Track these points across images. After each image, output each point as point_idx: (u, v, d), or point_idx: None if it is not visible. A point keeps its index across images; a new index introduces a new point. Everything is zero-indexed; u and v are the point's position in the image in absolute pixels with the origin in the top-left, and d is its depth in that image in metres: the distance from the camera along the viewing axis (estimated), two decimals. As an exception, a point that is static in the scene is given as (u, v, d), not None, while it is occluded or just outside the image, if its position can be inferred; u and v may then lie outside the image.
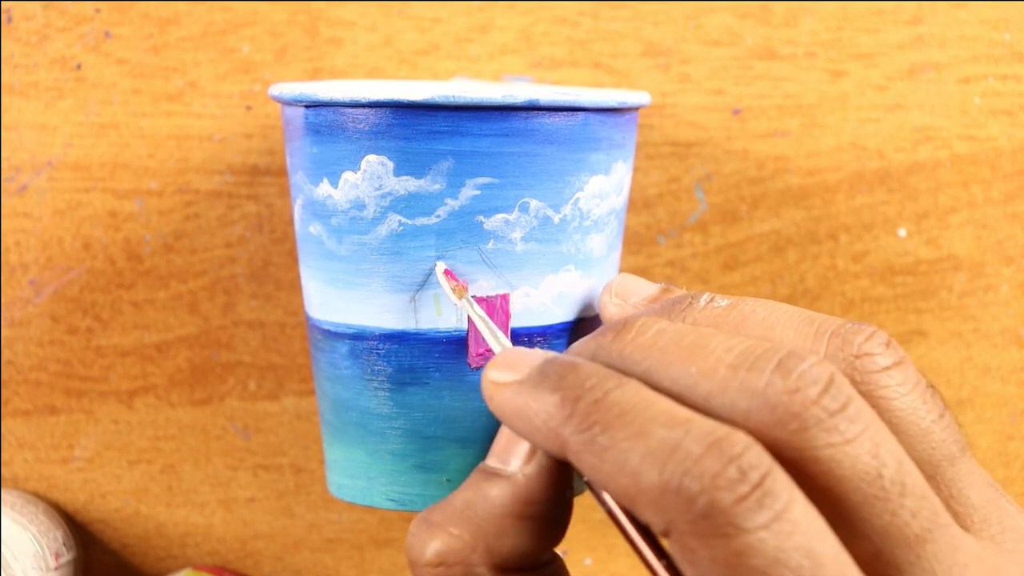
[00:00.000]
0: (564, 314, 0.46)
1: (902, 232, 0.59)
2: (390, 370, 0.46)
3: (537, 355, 0.39)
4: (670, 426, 0.35)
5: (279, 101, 0.47)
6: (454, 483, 0.46)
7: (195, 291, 0.59)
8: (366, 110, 0.45)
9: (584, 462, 0.36)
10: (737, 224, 0.59)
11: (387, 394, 0.46)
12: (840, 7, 0.58)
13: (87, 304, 0.59)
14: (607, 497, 0.38)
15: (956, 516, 0.38)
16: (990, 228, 0.59)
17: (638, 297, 0.45)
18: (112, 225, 0.58)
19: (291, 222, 0.58)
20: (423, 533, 0.40)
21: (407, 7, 0.58)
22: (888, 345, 0.39)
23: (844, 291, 0.59)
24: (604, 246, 0.47)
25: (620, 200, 0.48)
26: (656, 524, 0.35)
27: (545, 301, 0.46)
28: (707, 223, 0.59)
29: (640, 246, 0.59)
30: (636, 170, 0.58)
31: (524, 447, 0.40)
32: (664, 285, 0.45)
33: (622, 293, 0.45)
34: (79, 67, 0.58)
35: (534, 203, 0.45)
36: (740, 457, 0.34)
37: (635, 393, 0.36)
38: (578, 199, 0.46)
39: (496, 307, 0.45)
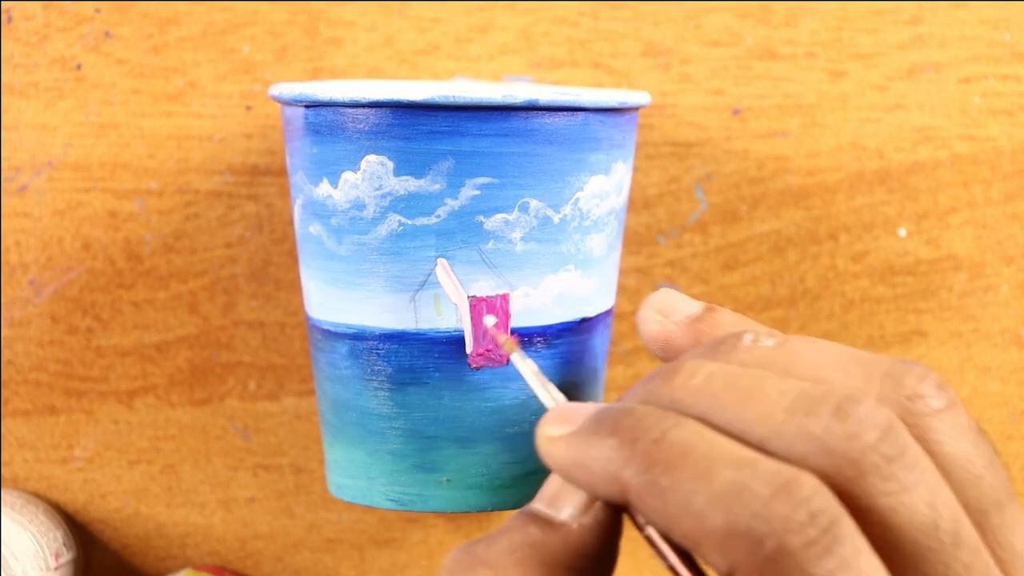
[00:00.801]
0: (564, 314, 0.46)
1: (902, 232, 0.59)
2: (390, 370, 0.46)
3: (590, 407, 0.38)
4: (736, 467, 0.34)
5: (279, 101, 0.47)
6: (454, 483, 0.46)
7: (195, 291, 0.59)
8: (366, 110, 0.45)
9: (647, 504, 0.35)
10: (737, 224, 0.59)
11: (387, 394, 0.46)
12: (840, 7, 0.58)
13: (87, 304, 0.59)
14: (655, 536, 0.37)
15: (1000, 563, 0.38)
16: (990, 228, 0.59)
17: (680, 315, 0.43)
18: (112, 225, 0.58)
19: (291, 222, 0.58)
20: (465, 570, 0.39)
21: (407, 7, 0.58)
22: (940, 387, 0.38)
23: (844, 291, 0.59)
24: (604, 246, 0.47)
25: (620, 200, 0.48)
26: (720, 566, 0.34)
27: (545, 301, 0.46)
28: (707, 223, 0.59)
29: (640, 246, 0.59)
30: (636, 170, 0.58)
31: (579, 496, 0.38)
32: (707, 305, 0.44)
33: (664, 310, 0.43)
34: (79, 67, 0.58)
35: (534, 203, 0.45)
36: (809, 500, 0.33)
37: (696, 433, 0.36)
38: (578, 199, 0.46)
39: (496, 307, 0.45)
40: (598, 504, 0.38)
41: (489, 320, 0.45)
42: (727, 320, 0.43)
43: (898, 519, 0.35)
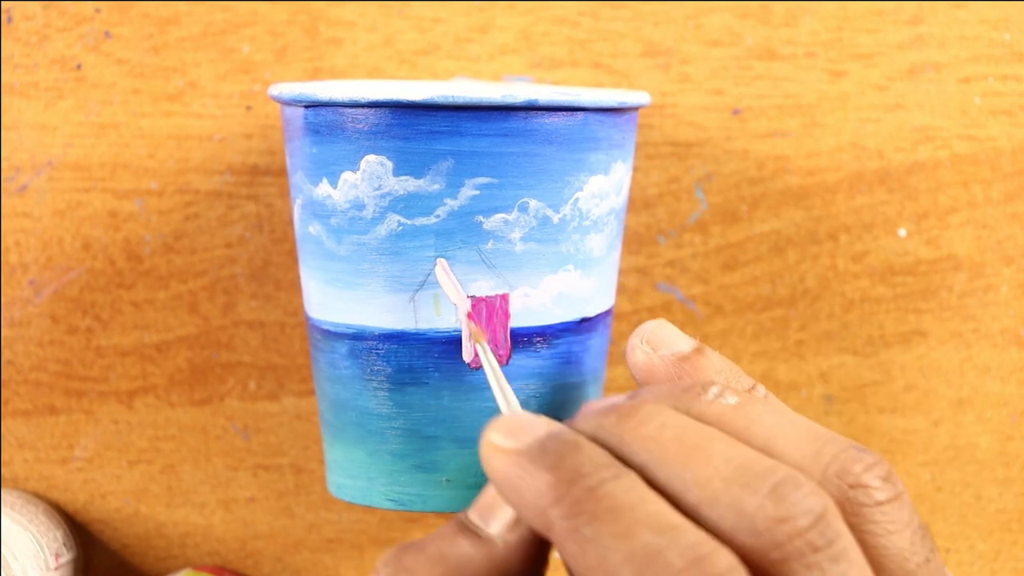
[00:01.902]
0: (564, 314, 0.46)
1: (902, 232, 0.59)
2: (389, 370, 0.46)
3: (541, 426, 0.38)
4: (657, 531, 0.34)
5: (278, 101, 0.47)
6: (453, 483, 0.46)
7: (195, 291, 0.59)
8: (365, 110, 0.45)
9: (566, 549, 0.36)
10: (737, 224, 0.59)
11: (386, 394, 0.46)
12: (840, 7, 0.58)
13: (87, 304, 0.59)
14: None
15: None
16: (990, 228, 0.59)
17: (669, 351, 0.44)
18: (112, 225, 0.58)
19: (291, 222, 0.58)
20: (392, 573, 0.39)
21: (407, 7, 0.58)
22: (887, 479, 0.38)
23: (844, 291, 0.59)
24: (604, 246, 0.47)
25: (619, 200, 0.48)
26: None
27: (544, 301, 0.46)
28: (707, 223, 0.59)
29: (640, 246, 0.59)
30: (636, 170, 0.58)
31: (509, 512, 0.39)
32: (697, 345, 0.44)
33: (653, 342, 0.44)
34: (79, 67, 0.58)
35: (533, 203, 0.45)
36: None
37: (629, 489, 0.36)
38: (577, 199, 0.46)
39: (495, 307, 0.45)
40: (525, 523, 0.38)
41: (462, 308, 0.45)
42: (712, 365, 0.43)
43: None
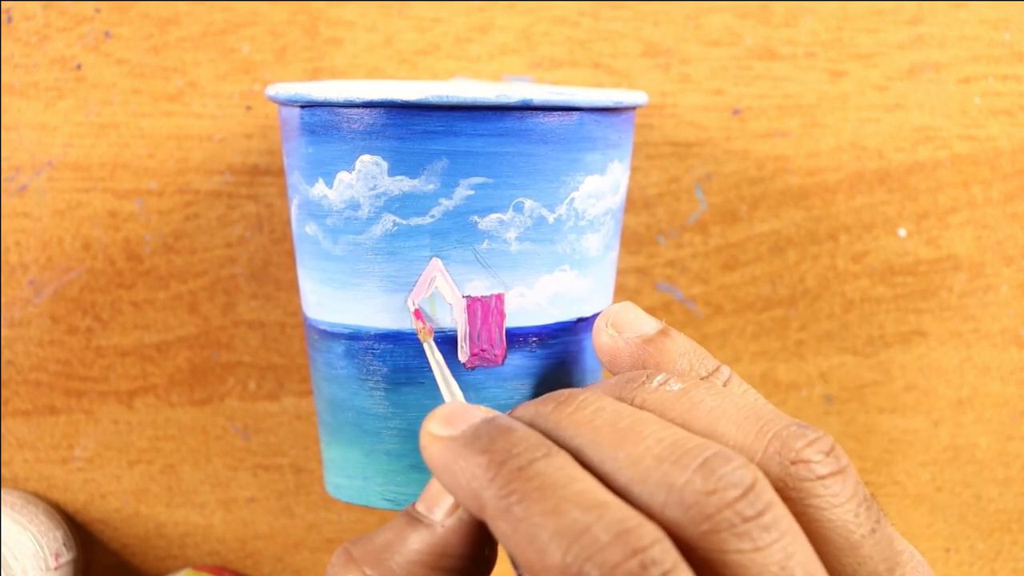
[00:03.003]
0: (559, 314, 0.46)
1: (902, 232, 0.59)
2: (385, 370, 0.46)
3: (477, 413, 0.39)
4: (584, 508, 0.35)
5: (275, 101, 0.47)
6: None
7: (195, 291, 0.59)
8: (360, 110, 0.45)
9: (498, 528, 0.36)
10: (737, 224, 0.59)
11: (383, 394, 0.46)
12: (840, 7, 0.58)
13: (87, 304, 0.59)
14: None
15: None
16: (990, 228, 0.59)
17: (633, 333, 0.44)
18: (112, 225, 0.59)
19: (290, 222, 0.58)
20: (340, 567, 0.40)
21: (407, 7, 0.58)
22: (829, 453, 0.38)
23: (844, 291, 0.59)
24: (600, 246, 0.47)
25: (617, 200, 0.48)
26: None
27: (540, 301, 0.46)
28: (707, 223, 0.59)
29: (640, 246, 0.59)
30: (636, 170, 0.58)
31: (450, 499, 0.40)
32: (662, 327, 0.44)
33: (618, 324, 0.44)
34: (79, 67, 0.58)
35: (529, 203, 0.45)
36: (645, 551, 0.34)
37: (559, 468, 0.36)
38: (573, 199, 0.46)
39: (491, 307, 0.45)
40: (463, 507, 0.39)
41: (411, 305, 0.45)
42: (676, 347, 0.44)
43: None
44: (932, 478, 0.60)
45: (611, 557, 0.34)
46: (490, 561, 0.41)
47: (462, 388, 0.46)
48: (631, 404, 0.40)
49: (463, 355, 0.46)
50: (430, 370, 0.46)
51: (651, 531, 0.34)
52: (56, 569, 0.57)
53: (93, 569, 0.60)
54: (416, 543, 0.39)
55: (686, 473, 0.36)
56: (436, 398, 0.46)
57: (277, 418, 0.59)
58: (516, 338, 0.46)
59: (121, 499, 0.60)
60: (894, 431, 0.60)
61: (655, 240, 0.59)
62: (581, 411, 0.38)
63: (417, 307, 0.45)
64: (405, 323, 0.45)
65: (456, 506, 0.39)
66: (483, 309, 0.45)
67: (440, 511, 0.40)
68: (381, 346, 0.46)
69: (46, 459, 0.60)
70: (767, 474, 0.38)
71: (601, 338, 0.44)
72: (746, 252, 0.59)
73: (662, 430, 0.37)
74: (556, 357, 0.47)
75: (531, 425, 0.39)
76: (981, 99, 0.59)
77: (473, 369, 0.46)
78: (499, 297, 0.45)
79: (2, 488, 0.59)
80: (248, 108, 0.58)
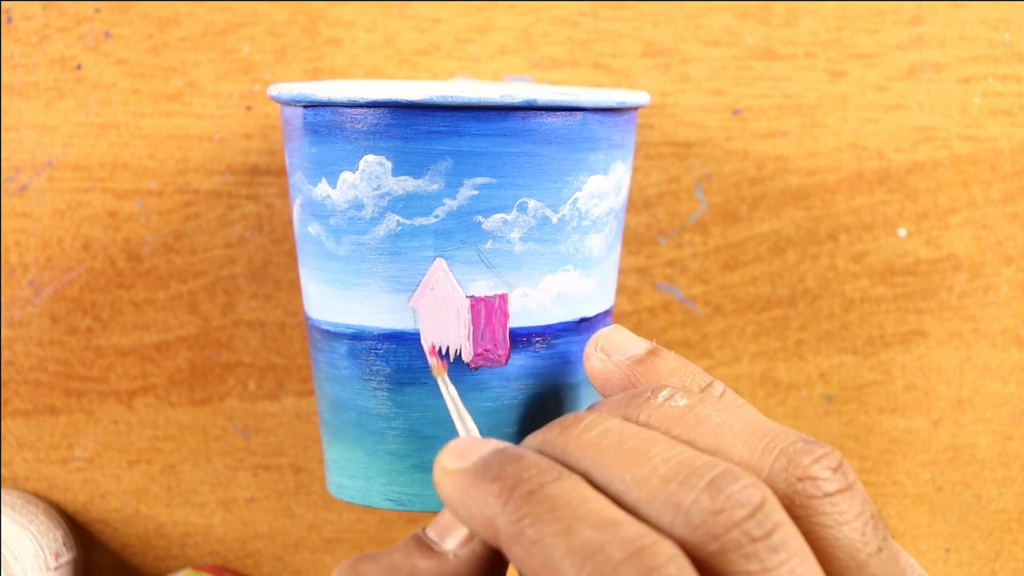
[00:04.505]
0: (563, 314, 0.46)
1: (902, 232, 0.59)
2: (388, 370, 0.46)
3: (489, 445, 0.39)
4: (597, 527, 0.35)
5: (278, 101, 0.47)
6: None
7: (195, 291, 0.59)
8: (364, 110, 0.45)
9: (513, 553, 0.36)
10: (737, 224, 0.59)
11: (386, 394, 0.46)
12: (840, 7, 0.58)
13: (87, 304, 0.59)
14: None
15: None
16: (990, 228, 0.59)
17: (623, 355, 0.44)
18: (112, 225, 0.58)
19: (291, 222, 0.58)
20: None
21: (407, 7, 0.58)
22: (837, 470, 0.38)
23: (844, 291, 0.59)
24: (603, 246, 0.47)
25: (619, 200, 0.48)
26: None
27: (544, 301, 0.46)
28: (707, 223, 0.59)
29: (640, 246, 0.59)
30: (636, 170, 0.58)
31: (463, 529, 0.39)
32: (651, 347, 0.44)
33: (608, 348, 0.44)
34: (79, 67, 0.58)
35: (532, 203, 0.45)
36: (659, 569, 0.34)
37: (571, 489, 0.36)
38: (576, 199, 0.46)
39: (495, 307, 0.45)
40: (478, 538, 0.39)
41: (426, 343, 0.45)
42: (667, 366, 0.44)
43: None
44: (932, 478, 0.60)
45: (625, 575, 0.34)
46: None
47: (464, 389, 0.46)
48: (637, 422, 0.39)
49: (467, 356, 0.46)
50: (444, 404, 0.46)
51: (666, 548, 0.34)
52: (56, 569, 0.56)
53: (93, 569, 0.60)
54: (426, 571, 0.39)
55: (693, 492, 0.36)
56: (439, 398, 0.46)
57: (277, 418, 0.59)
58: (520, 338, 0.46)
59: (121, 499, 0.60)
60: (894, 431, 0.60)
61: (655, 240, 0.59)
62: (587, 433, 0.38)
63: (432, 344, 0.45)
64: (408, 323, 0.45)
65: (469, 538, 0.39)
66: (487, 309, 0.45)
67: (453, 541, 0.39)
68: (384, 346, 0.46)
69: (46, 459, 0.59)
70: (774, 491, 0.37)
71: (591, 363, 0.44)
72: (746, 252, 0.59)
73: (668, 449, 0.37)
74: (559, 357, 0.47)
75: (540, 452, 0.39)
76: (981, 99, 0.59)
77: (477, 369, 0.46)
78: (503, 297, 0.45)
79: (2, 488, 0.59)
80: (248, 108, 0.58)
